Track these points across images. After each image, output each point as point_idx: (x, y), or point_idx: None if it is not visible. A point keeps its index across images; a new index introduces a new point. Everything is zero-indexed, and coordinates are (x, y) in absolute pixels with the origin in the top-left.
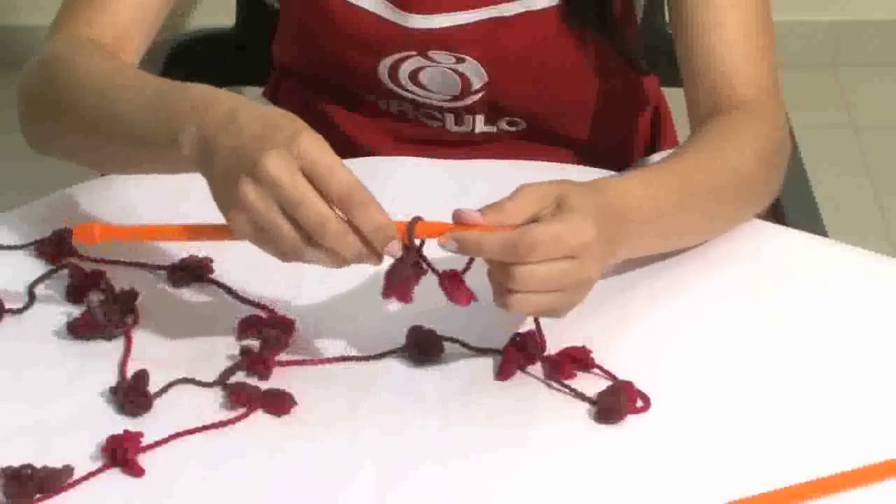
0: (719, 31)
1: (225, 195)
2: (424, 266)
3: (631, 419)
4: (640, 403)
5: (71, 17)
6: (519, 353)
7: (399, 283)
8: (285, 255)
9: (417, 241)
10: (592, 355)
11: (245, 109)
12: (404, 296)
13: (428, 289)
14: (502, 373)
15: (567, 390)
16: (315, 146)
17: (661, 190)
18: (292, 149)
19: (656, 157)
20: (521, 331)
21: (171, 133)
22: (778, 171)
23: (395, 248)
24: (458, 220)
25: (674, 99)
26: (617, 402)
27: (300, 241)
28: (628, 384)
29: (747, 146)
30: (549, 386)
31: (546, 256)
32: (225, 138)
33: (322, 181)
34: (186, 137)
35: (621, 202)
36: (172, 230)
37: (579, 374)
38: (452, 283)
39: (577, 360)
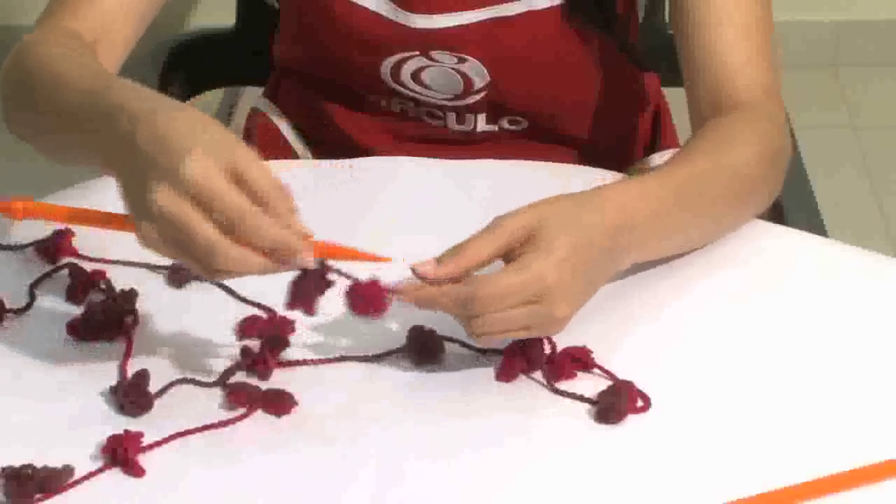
0: (720, 31)
1: (131, 212)
2: (331, 278)
3: (631, 419)
4: (640, 403)
5: (55, 9)
6: (521, 356)
7: (303, 297)
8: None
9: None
10: (593, 355)
11: (144, 122)
12: (309, 309)
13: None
14: (504, 374)
15: (567, 390)
16: (200, 172)
17: (661, 196)
18: (176, 178)
19: (657, 157)
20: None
21: (90, 140)
22: (778, 172)
23: (304, 261)
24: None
25: (674, 99)
26: (617, 402)
27: (202, 267)
28: (629, 384)
29: (748, 148)
30: (550, 386)
31: (504, 307)
32: (124, 154)
33: (208, 210)
34: (100, 150)
35: (621, 216)
36: (94, 216)
37: (579, 374)
38: (354, 295)
39: (578, 359)
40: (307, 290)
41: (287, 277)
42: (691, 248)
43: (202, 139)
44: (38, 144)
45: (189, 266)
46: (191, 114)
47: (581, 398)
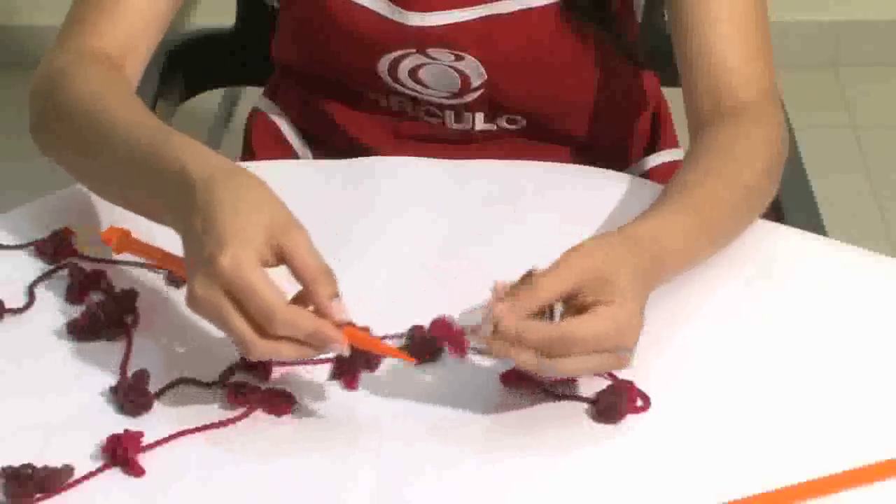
0: (716, 31)
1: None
2: (377, 360)
3: (631, 419)
4: (639, 403)
5: (78, 27)
6: None
7: (345, 374)
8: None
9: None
10: None
11: (200, 193)
12: (351, 385)
13: (428, 289)
14: (507, 377)
15: (567, 390)
16: (234, 265)
17: (685, 230)
18: (212, 269)
19: (656, 157)
20: None
21: (150, 198)
22: (779, 175)
23: (337, 349)
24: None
25: (674, 99)
26: (617, 402)
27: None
28: (628, 384)
29: (757, 162)
30: (550, 385)
31: (585, 351)
32: (179, 224)
33: (241, 305)
34: (162, 211)
35: (661, 251)
36: (176, 262)
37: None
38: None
39: None
40: (352, 368)
41: (288, 278)
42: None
43: (247, 222)
44: (76, 176)
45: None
46: (245, 192)
47: (580, 398)
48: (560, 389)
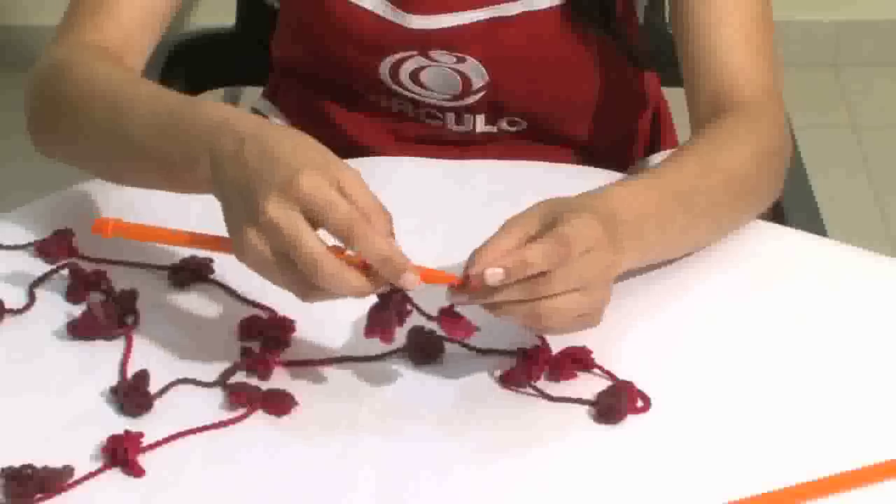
0: (719, 31)
1: (233, 226)
2: (410, 308)
3: (631, 419)
4: (640, 404)
5: (76, 23)
6: (523, 363)
7: (382, 324)
8: (295, 293)
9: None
10: (593, 356)
11: (251, 140)
12: (386, 337)
13: (428, 289)
14: (508, 379)
15: (568, 390)
16: (313, 184)
17: (654, 193)
18: (290, 190)
19: (656, 157)
20: (525, 346)
21: (185, 159)
22: (778, 171)
23: (410, 280)
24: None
25: (674, 99)
26: (617, 403)
27: (301, 284)
28: (628, 384)
29: (742, 149)
30: (550, 386)
31: (574, 258)
32: (231, 170)
33: (321, 220)
34: (201, 169)
35: (614, 201)
36: (179, 236)
37: (580, 374)
38: (448, 321)
39: (578, 360)
40: (387, 318)
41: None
42: (693, 249)
43: (311, 156)
44: (91, 166)
45: (286, 286)
46: (296, 134)
47: (580, 401)
48: (559, 393)
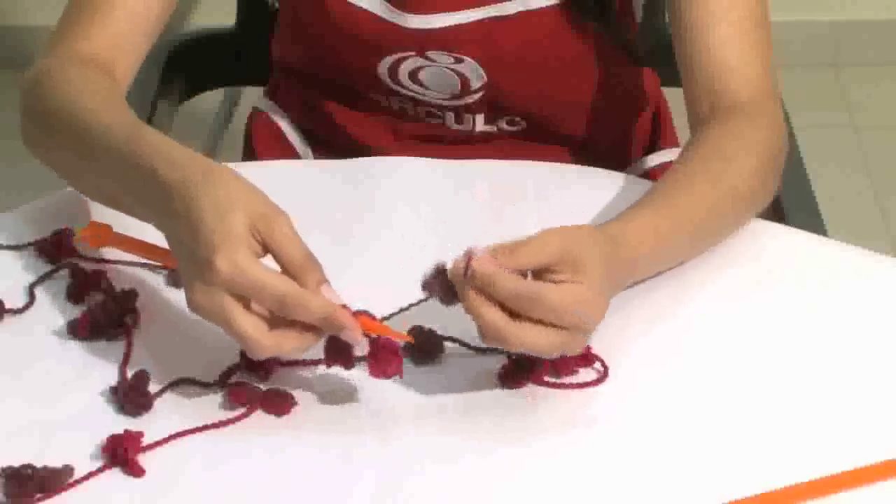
0: (716, 30)
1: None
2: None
3: (632, 420)
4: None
5: (68, 32)
6: (525, 363)
7: (340, 353)
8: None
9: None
10: (592, 351)
11: (177, 197)
12: (347, 363)
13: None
14: (505, 376)
15: (569, 389)
16: (231, 267)
17: (657, 226)
18: (210, 276)
19: (655, 157)
20: None
21: (133, 200)
22: (776, 175)
23: (352, 337)
24: (469, 257)
25: (674, 99)
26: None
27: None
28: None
29: (748, 162)
30: (550, 384)
31: (546, 319)
32: (166, 227)
33: (250, 299)
34: (144, 212)
35: (633, 253)
36: (164, 254)
37: (581, 370)
38: (381, 355)
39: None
40: (344, 345)
41: None
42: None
43: (232, 221)
44: (65, 179)
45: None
46: (219, 186)
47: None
48: (559, 391)
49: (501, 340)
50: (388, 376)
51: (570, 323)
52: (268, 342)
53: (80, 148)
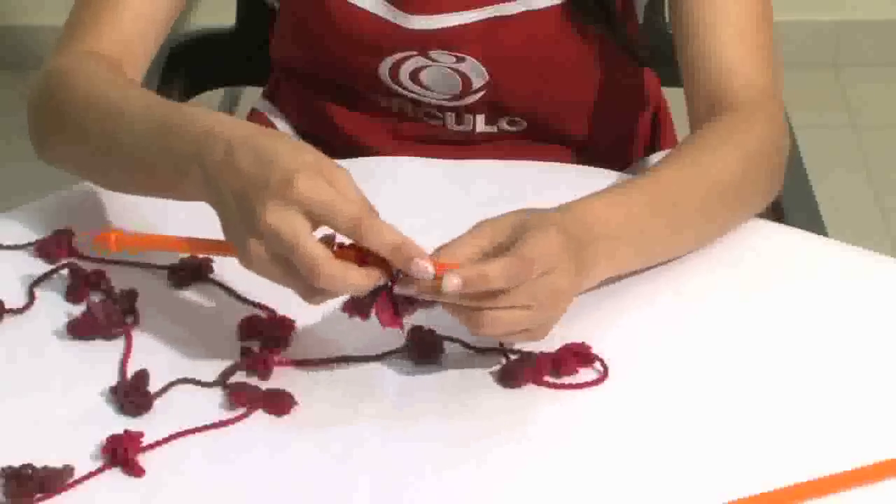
0: (717, 31)
1: (234, 236)
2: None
3: (632, 421)
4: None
5: (77, 32)
6: (525, 363)
7: (359, 308)
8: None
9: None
10: (592, 351)
11: (241, 146)
12: (363, 316)
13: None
14: (505, 376)
15: (569, 388)
16: (311, 185)
17: (627, 204)
18: (288, 193)
19: (655, 157)
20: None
21: (176, 169)
22: (771, 172)
23: (421, 267)
24: (437, 274)
25: (674, 99)
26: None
27: (304, 287)
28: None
29: (730, 152)
30: (550, 384)
31: (525, 275)
32: (226, 179)
33: (324, 219)
34: (192, 179)
35: (588, 216)
36: (182, 243)
37: (581, 370)
38: (381, 305)
39: (578, 354)
40: (366, 303)
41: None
42: (681, 254)
43: (304, 158)
44: (83, 174)
45: (292, 288)
46: (286, 138)
47: (581, 386)
48: (559, 391)
49: (475, 322)
50: (389, 325)
51: (543, 270)
52: (333, 269)
53: (102, 136)
